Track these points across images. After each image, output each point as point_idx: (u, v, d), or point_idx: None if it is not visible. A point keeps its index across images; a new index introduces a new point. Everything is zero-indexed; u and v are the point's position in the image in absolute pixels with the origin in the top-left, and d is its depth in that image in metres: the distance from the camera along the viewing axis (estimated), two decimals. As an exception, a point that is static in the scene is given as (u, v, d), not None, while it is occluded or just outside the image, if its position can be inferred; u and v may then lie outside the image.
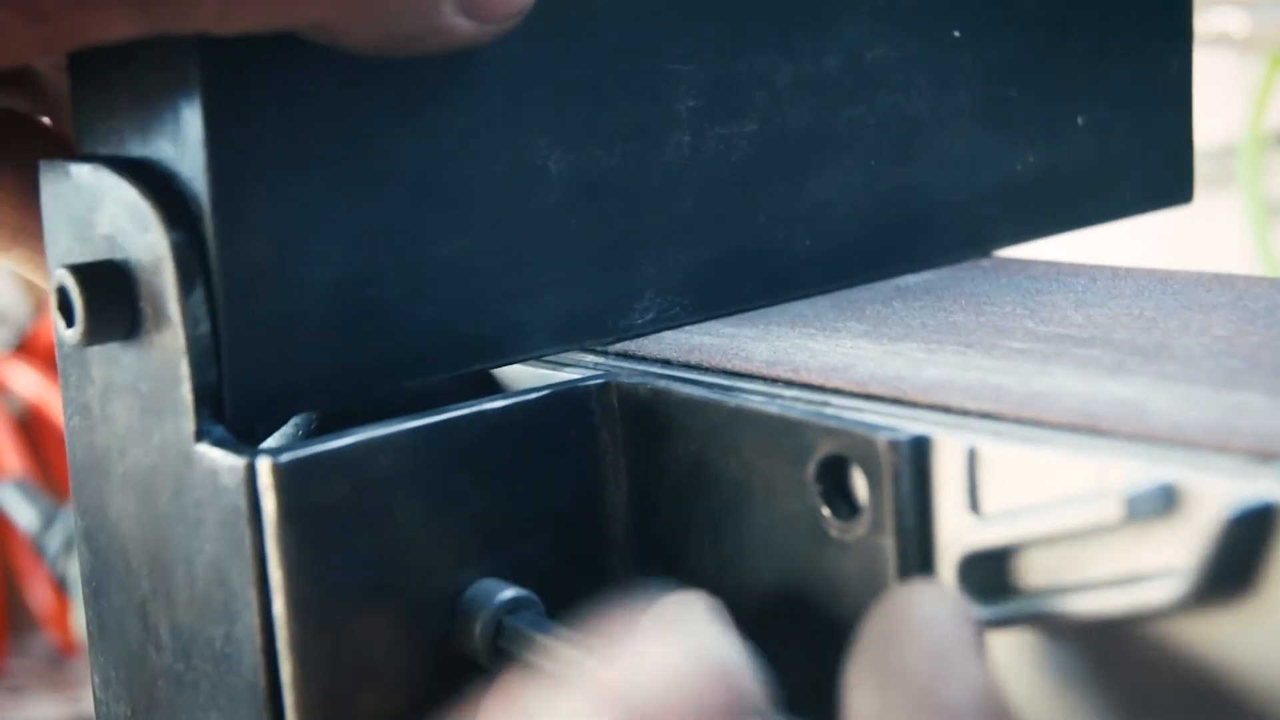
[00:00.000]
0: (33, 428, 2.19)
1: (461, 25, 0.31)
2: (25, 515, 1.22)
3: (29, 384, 2.16)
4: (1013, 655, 0.27)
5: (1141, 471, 0.25)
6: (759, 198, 0.39)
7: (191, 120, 0.29)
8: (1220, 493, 0.24)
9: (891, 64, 0.40)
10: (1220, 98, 1.69)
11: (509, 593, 0.31)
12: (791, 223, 0.39)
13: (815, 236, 0.40)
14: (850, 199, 0.40)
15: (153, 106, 0.30)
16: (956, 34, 0.42)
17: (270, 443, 0.32)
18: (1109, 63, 0.46)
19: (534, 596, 0.31)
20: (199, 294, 0.30)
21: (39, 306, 2.51)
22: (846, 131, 0.40)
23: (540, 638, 0.30)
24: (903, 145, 0.41)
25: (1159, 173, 0.48)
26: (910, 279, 0.42)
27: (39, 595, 2.09)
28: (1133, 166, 0.47)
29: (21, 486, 1.22)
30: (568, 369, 0.35)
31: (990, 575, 0.28)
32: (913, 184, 0.42)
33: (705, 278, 0.38)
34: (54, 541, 1.14)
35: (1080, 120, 0.45)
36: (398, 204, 0.32)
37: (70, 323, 0.31)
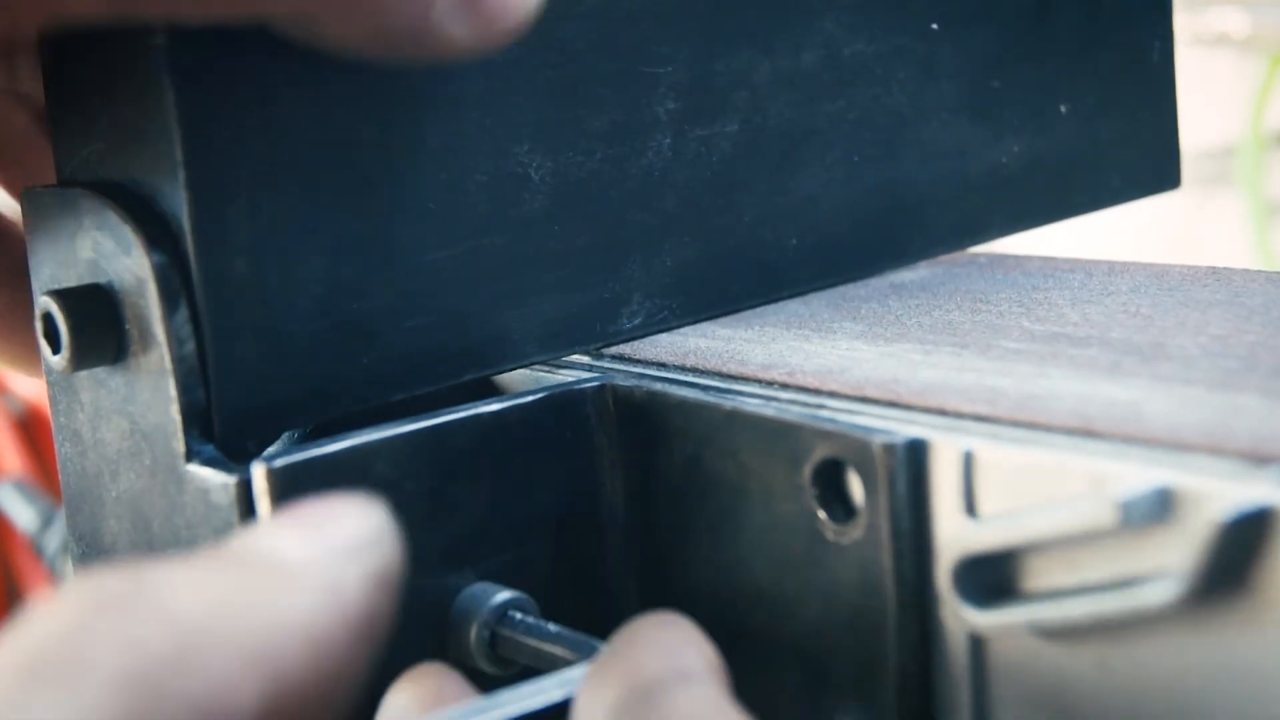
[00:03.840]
0: (32, 428, 2.18)
1: (455, 31, 0.29)
2: (24, 515, 1.22)
3: (29, 384, 2.16)
4: (1008, 659, 0.27)
5: (1137, 475, 0.25)
6: (743, 197, 0.38)
7: (167, 140, 0.29)
8: (1216, 497, 0.24)
9: (870, 58, 0.40)
10: (1220, 98, 1.69)
11: (502, 595, 0.31)
12: (777, 221, 0.39)
13: (802, 234, 0.40)
14: (835, 195, 0.40)
15: (129, 129, 0.30)
16: (934, 26, 0.41)
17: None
18: (1090, 49, 0.45)
19: (529, 599, 0.31)
20: (183, 314, 0.29)
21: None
22: (828, 127, 0.40)
23: (530, 640, 0.30)
24: (886, 139, 0.41)
25: (1146, 158, 0.48)
26: (906, 276, 0.42)
27: (38, 595, 2.09)
28: (1119, 153, 0.47)
29: (20, 486, 1.22)
30: (563, 371, 0.35)
31: (986, 578, 0.27)
32: (898, 178, 0.41)
33: (692, 279, 0.38)
34: (52, 541, 1.14)
35: (1063, 108, 0.45)
36: (379, 216, 0.32)
37: (56, 349, 0.31)
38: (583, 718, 0.25)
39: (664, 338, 0.37)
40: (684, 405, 0.32)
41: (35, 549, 1.21)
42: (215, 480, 0.29)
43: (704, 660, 0.26)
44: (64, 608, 0.21)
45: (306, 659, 0.21)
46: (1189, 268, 0.40)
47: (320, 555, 0.22)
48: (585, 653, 0.29)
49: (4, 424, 2.17)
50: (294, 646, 0.21)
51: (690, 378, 0.34)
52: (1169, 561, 0.25)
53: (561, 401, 0.33)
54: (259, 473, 0.28)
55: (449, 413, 0.31)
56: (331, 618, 0.22)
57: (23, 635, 0.20)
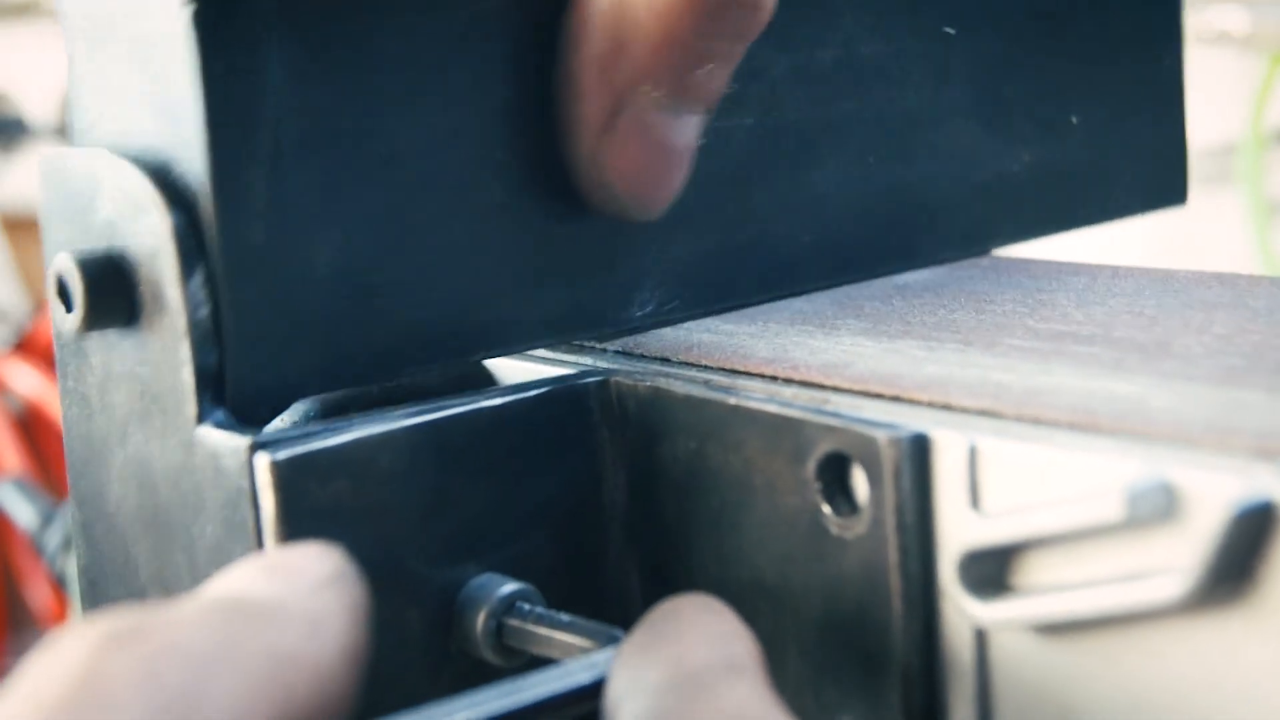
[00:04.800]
0: (32, 426, 2.19)
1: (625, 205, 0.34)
2: (24, 514, 1.22)
3: (28, 382, 2.16)
4: (1013, 654, 0.27)
5: (1142, 470, 0.25)
6: (756, 191, 0.38)
7: (191, 103, 0.29)
8: (1221, 491, 0.24)
9: (886, 59, 0.40)
10: (1220, 97, 1.69)
11: (510, 586, 0.31)
12: (789, 217, 0.39)
13: (813, 231, 0.40)
14: (847, 194, 0.40)
15: (150, 92, 0.30)
16: (950, 30, 0.41)
17: (271, 429, 0.32)
18: (1102, 62, 0.46)
19: (535, 590, 0.31)
20: (199, 277, 0.29)
21: (38, 305, 2.51)
22: (843, 125, 0.40)
23: (541, 629, 0.30)
24: (898, 141, 0.41)
25: (1153, 173, 0.48)
26: (910, 277, 0.42)
27: (38, 594, 2.09)
28: (1126, 167, 0.47)
29: (20, 485, 1.22)
30: (567, 366, 0.35)
31: (990, 573, 0.27)
32: (909, 180, 0.42)
33: (704, 271, 0.38)
34: (52, 540, 1.14)
35: (1074, 119, 0.45)
36: (398, 190, 0.32)
37: (69, 309, 0.31)
38: (622, 695, 0.25)
39: (667, 332, 0.37)
40: (687, 400, 0.32)
41: (35, 547, 1.21)
42: (227, 444, 0.29)
43: (749, 652, 0.26)
44: (78, 646, 0.21)
45: (310, 685, 0.22)
46: (1194, 272, 0.40)
47: (297, 592, 0.23)
48: (603, 640, 0.29)
49: (4, 423, 2.17)
50: (298, 674, 0.22)
51: (693, 373, 0.34)
52: (1174, 556, 0.25)
53: (565, 396, 0.33)
54: (262, 464, 0.28)
55: (453, 406, 0.31)
56: (324, 647, 0.23)
57: (41, 675, 0.21)
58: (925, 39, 0.41)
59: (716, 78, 0.33)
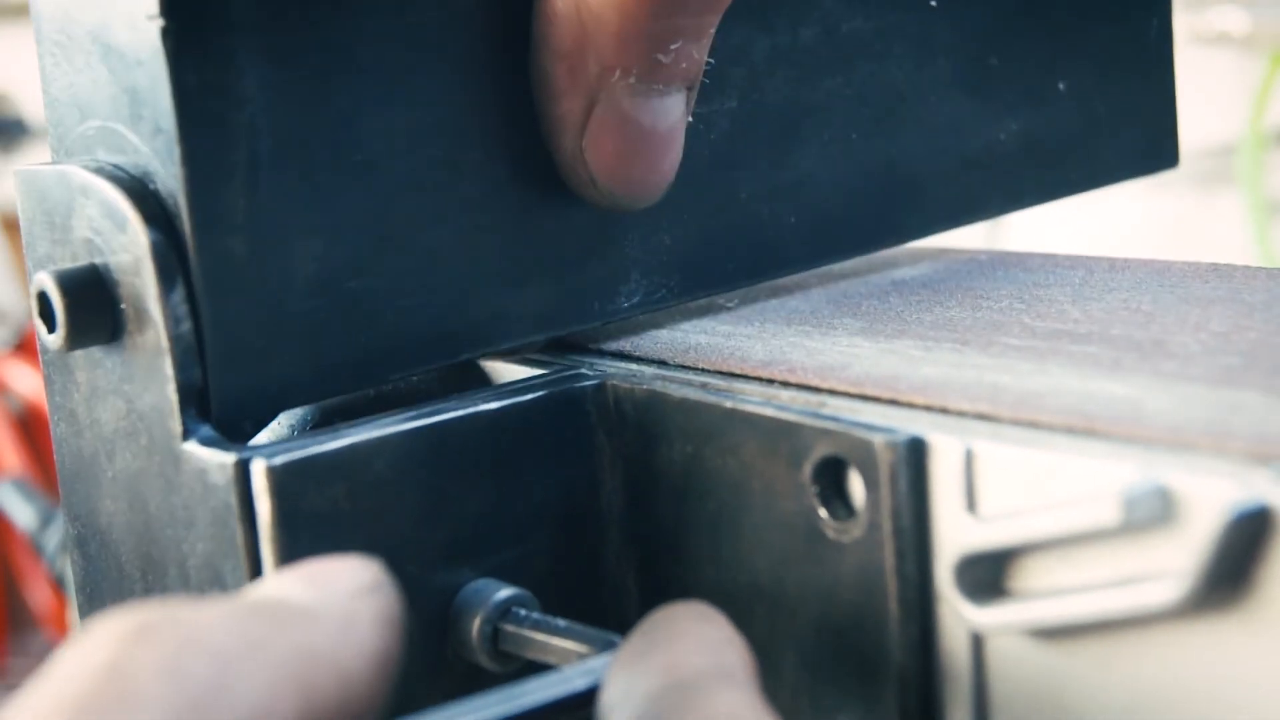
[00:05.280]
0: (32, 426, 2.18)
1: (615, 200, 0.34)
2: (23, 514, 1.22)
3: (28, 383, 2.16)
4: (1009, 658, 0.27)
5: (1138, 474, 0.25)
6: (741, 174, 0.38)
7: (164, 118, 0.29)
8: (1217, 495, 0.24)
9: (868, 34, 0.40)
10: (1220, 97, 1.69)
11: (505, 591, 0.31)
12: (775, 198, 0.39)
13: (799, 212, 0.39)
14: (833, 172, 0.40)
15: (125, 108, 0.30)
16: (932, 2, 0.41)
17: (262, 438, 0.32)
18: (1088, 27, 0.45)
19: (530, 595, 0.31)
20: (179, 293, 0.29)
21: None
22: (826, 104, 0.39)
23: (538, 635, 0.30)
24: (883, 116, 0.41)
25: (1143, 137, 0.47)
26: (907, 273, 0.42)
27: (38, 594, 2.09)
28: (1116, 131, 0.46)
29: (19, 485, 1.22)
30: (563, 369, 0.35)
31: (987, 577, 0.27)
32: (895, 155, 0.41)
33: (691, 257, 0.37)
34: (52, 540, 1.14)
35: (1061, 86, 0.44)
36: (377, 195, 0.32)
37: (52, 328, 0.31)
38: (616, 703, 0.25)
39: (664, 334, 0.37)
40: (684, 403, 0.32)
41: (34, 547, 1.21)
42: (213, 460, 0.29)
43: (742, 661, 0.26)
44: (103, 641, 0.21)
45: (335, 688, 0.22)
46: (1190, 264, 0.40)
47: (331, 597, 0.24)
48: (600, 646, 0.29)
49: (4, 423, 2.17)
50: (324, 675, 0.22)
51: (690, 375, 0.34)
52: (1170, 561, 0.25)
53: (562, 400, 0.33)
54: (259, 470, 0.28)
55: (449, 410, 0.31)
56: (352, 651, 0.23)
57: (66, 671, 0.21)
58: (907, 12, 0.41)
59: (689, 54, 0.32)
